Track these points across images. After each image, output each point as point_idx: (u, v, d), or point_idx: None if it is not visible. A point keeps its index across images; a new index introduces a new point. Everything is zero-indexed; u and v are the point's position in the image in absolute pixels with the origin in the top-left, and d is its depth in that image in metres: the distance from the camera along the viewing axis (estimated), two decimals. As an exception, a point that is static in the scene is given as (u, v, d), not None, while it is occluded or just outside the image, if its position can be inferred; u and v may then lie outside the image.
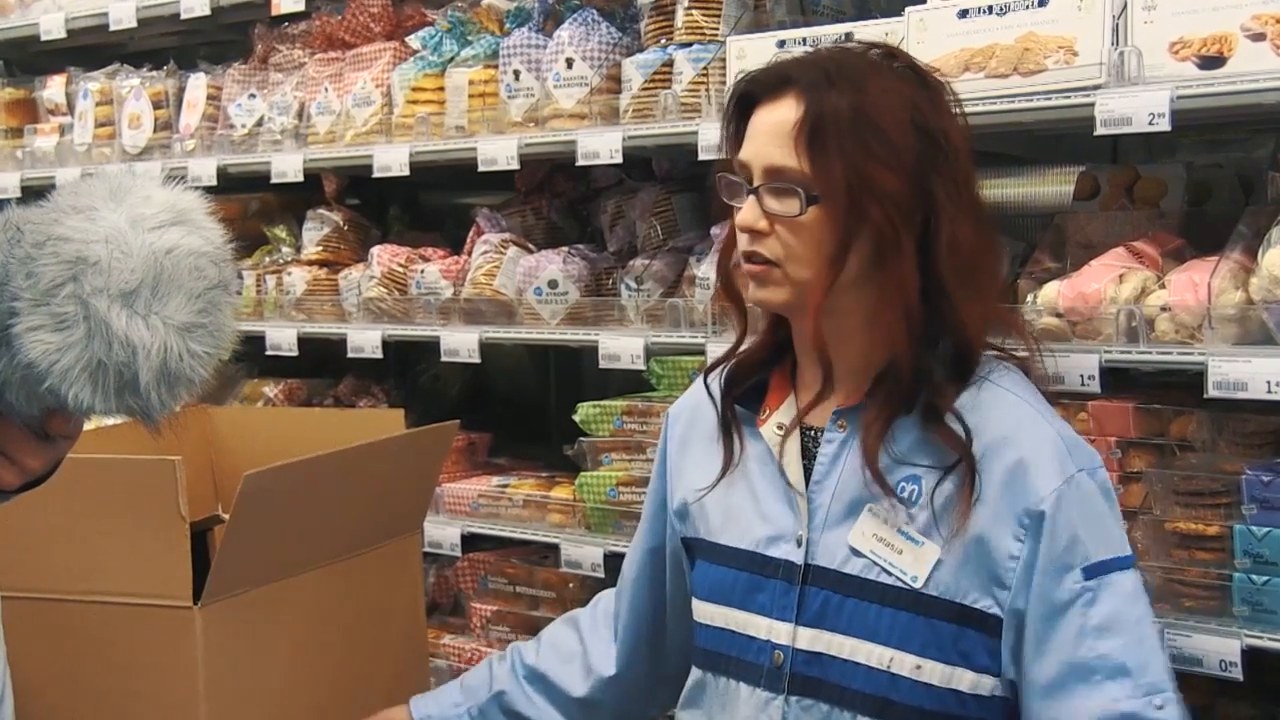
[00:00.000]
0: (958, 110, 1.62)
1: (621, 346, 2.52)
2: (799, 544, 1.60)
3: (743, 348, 1.73)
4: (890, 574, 1.54)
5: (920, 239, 1.54)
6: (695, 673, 1.73)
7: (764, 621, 1.62)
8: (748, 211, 1.57)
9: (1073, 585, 1.49)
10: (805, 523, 1.60)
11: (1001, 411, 1.55)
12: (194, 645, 1.73)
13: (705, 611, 1.71)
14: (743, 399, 1.71)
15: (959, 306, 1.54)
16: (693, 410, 1.79)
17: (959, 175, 1.57)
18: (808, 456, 1.64)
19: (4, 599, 1.55)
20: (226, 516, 1.83)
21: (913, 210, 1.53)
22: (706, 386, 1.74)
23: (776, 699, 1.60)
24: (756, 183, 1.57)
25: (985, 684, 1.53)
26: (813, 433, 1.64)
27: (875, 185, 1.51)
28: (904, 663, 1.53)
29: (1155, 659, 1.49)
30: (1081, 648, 1.48)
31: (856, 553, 1.57)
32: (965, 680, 1.53)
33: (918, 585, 1.53)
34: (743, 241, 1.59)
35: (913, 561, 1.54)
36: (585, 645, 1.92)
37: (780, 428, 1.65)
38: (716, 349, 2.31)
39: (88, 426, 1.42)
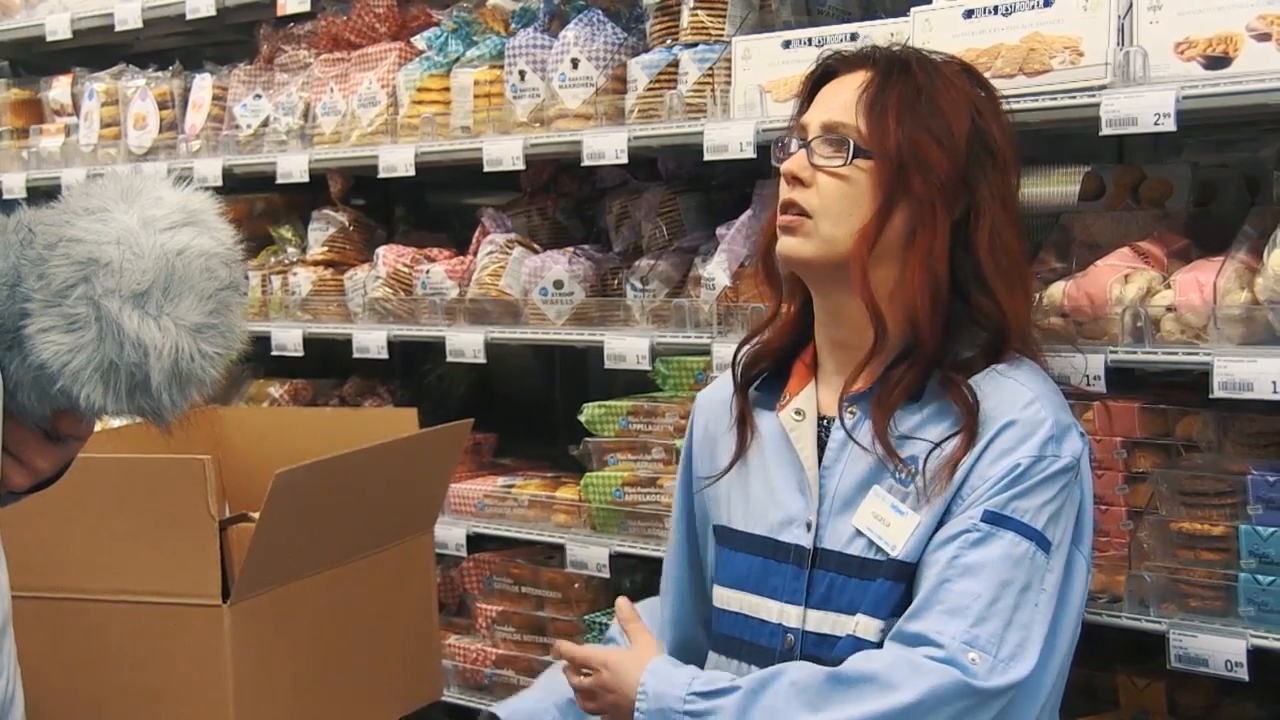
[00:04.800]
0: (1010, 133, 1.68)
1: (627, 347, 2.52)
2: (808, 528, 1.62)
3: (769, 331, 1.75)
4: (878, 548, 1.58)
5: (958, 228, 1.60)
6: (711, 658, 1.75)
7: (775, 605, 1.65)
8: (794, 160, 1.64)
9: (968, 520, 1.52)
10: (815, 507, 1.62)
11: (1001, 394, 1.58)
12: (223, 642, 1.75)
13: (723, 597, 1.73)
14: (764, 385, 1.73)
15: (1002, 301, 1.59)
16: (717, 401, 1.81)
17: (1006, 186, 1.63)
18: (822, 444, 1.66)
19: (34, 600, 1.56)
20: (240, 515, 1.85)
21: (954, 195, 1.59)
22: (734, 366, 1.76)
23: None
24: (812, 136, 1.63)
25: None
26: (826, 422, 1.67)
27: (924, 157, 1.58)
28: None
29: (996, 628, 1.48)
30: (943, 579, 1.50)
31: (859, 533, 1.60)
32: None
33: (894, 554, 1.56)
34: (784, 191, 1.64)
35: (895, 532, 1.57)
36: None
37: (799, 413, 1.67)
38: (722, 349, 2.32)
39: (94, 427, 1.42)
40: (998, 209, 1.60)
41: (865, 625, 1.57)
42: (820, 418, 1.67)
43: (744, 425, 1.73)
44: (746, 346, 1.76)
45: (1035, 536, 1.52)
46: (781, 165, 1.65)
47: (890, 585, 1.56)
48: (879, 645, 1.55)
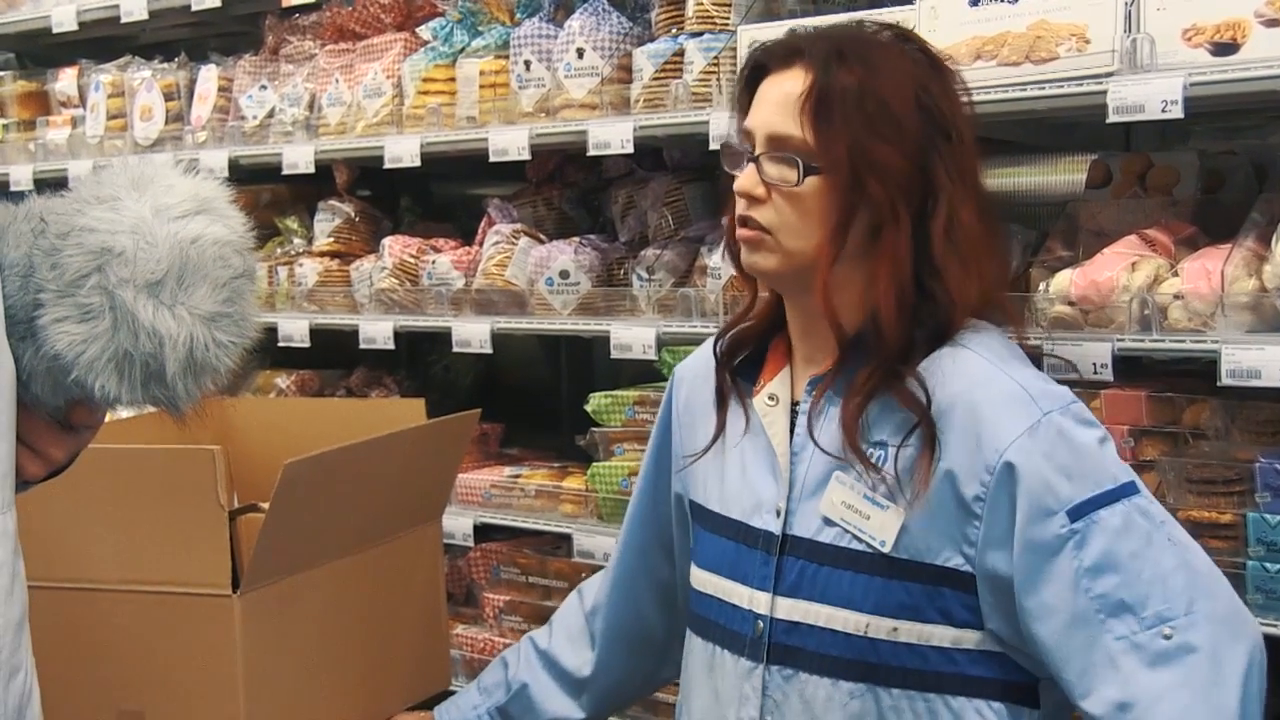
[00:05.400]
0: (966, 99, 1.62)
1: (633, 336, 2.52)
2: (778, 514, 1.61)
3: (750, 319, 1.73)
4: (860, 540, 1.55)
5: (917, 218, 1.55)
6: (689, 637, 1.76)
7: (746, 591, 1.64)
8: (746, 178, 1.59)
9: (1059, 529, 1.47)
10: (786, 493, 1.61)
11: (958, 370, 1.53)
12: (233, 633, 1.75)
13: (699, 578, 1.73)
14: (742, 369, 1.72)
15: (950, 287, 1.55)
16: (699, 375, 1.79)
17: (962, 161, 1.57)
18: (794, 429, 1.64)
19: (44, 589, 1.57)
20: (249, 505, 1.85)
21: (912, 188, 1.54)
22: (715, 351, 1.74)
23: (758, 668, 1.61)
24: (758, 150, 1.58)
25: (969, 638, 1.53)
26: (798, 407, 1.65)
27: (877, 161, 1.52)
28: (880, 627, 1.54)
29: (1157, 589, 1.45)
30: (1079, 591, 1.46)
31: (829, 521, 1.57)
32: (946, 637, 1.53)
33: (886, 549, 1.53)
34: (740, 207, 1.60)
35: (880, 526, 1.54)
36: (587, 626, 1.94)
37: (772, 399, 1.66)
38: (729, 338, 2.31)
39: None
40: (955, 189, 1.55)
41: (848, 619, 1.55)
42: (794, 403, 1.65)
43: (722, 407, 1.71)
44: (729, 332, 1.73)
45: (1118, 492, 1.48)
46: (735, 185, 1.59)
47: (882, 582, 1.53)
48: (867, 640, 1.54)
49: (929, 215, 1.55)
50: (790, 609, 1.59)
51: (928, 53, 1.62)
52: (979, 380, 1.52)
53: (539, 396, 3.47)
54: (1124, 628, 1.45)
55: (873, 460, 1.54)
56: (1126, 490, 1.49)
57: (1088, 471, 1.48)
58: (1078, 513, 1.47)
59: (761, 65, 1.62)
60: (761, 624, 1.61)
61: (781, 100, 1.57)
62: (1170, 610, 1.45)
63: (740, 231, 1.61)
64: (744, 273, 1.68)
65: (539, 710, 1.91)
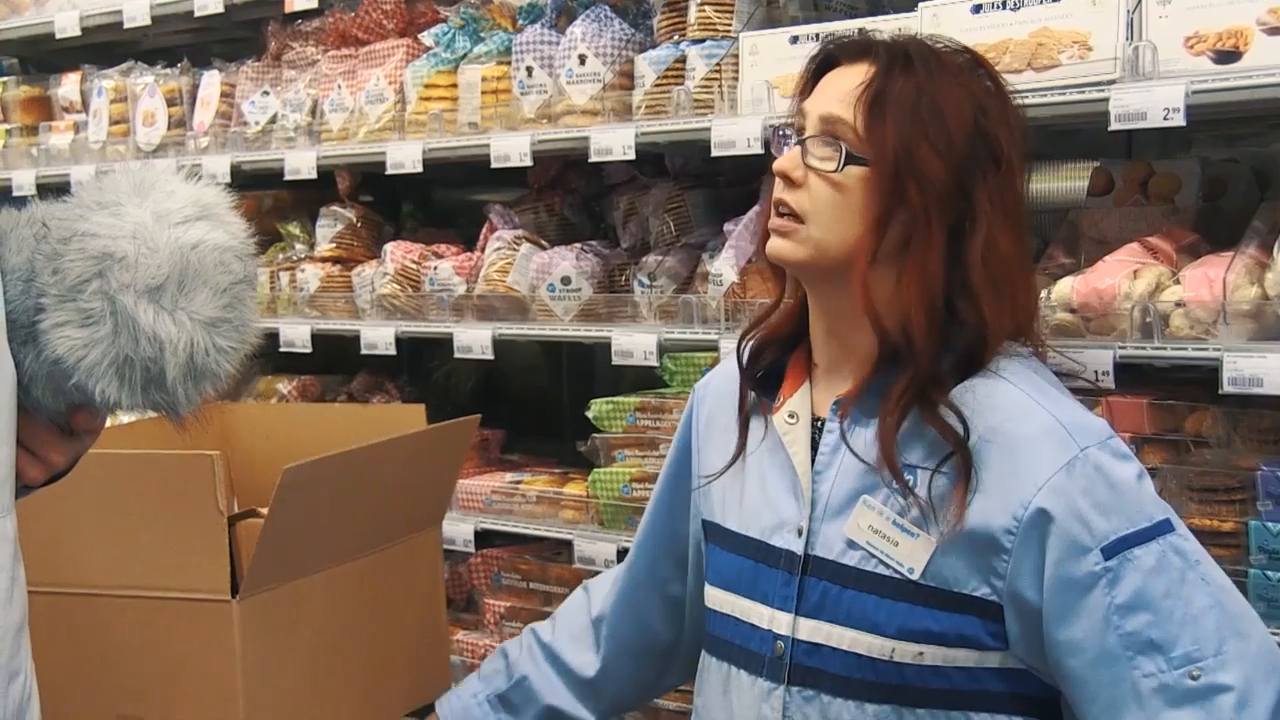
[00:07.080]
0: (1023, 133, 1.61)
1: (634, 343, 2.52)
2: (799, 534, 1.60)
3: (772, 318, 1.72)
4: (887, 565, 1.54)
5: (951, 236, 1.54)
6: (704, 657, 1.75)
7: (766, 611, 1.62)
8: (787, 158, 1.58)
9: (1093, 566, 1.46)
10: (807, 513, 1.60)
11: (995, 402, 1.52)
12: (232, 638, 1.75)
13: (715, 597, 1.71)
14: (761, 384, 1.71)
15: (985, 313, 1.54)
16: (721, 389, 1.79)
17: (1007, 191, 1.56)
18: (815, 446, 1.63)
19: (44, 594, 1.57)
20: (248, 511, 1.85)
21: (950, 203, 1.53)
22: (739, 355, 1.73)
23: (778, 689, 1.60)
24: (809, 133, 1.58)
25: (992, 658, 1.53)
26: (819, 423, 1.64)
27: (920, 166, 1.52)
28: (906, 651, 1.53)
29: (1188, 629, 1.45)
30: (1109, 628, 1.46)
31: (853, 544, 1.56)
32: (971, 658, 1.53)
33: (914, 576, 1.52)
34: (776, 189, 1.60)
35: (909, 553, 1.53)
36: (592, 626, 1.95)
37: (792, 416, 1.65)
38: (730, 345, 2.31)
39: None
40: (996, 216, 1.54)
41: (872, 643, 1.54)
42: (814, 419, 1.64)
43: (745, 425, 1.70)
44: (750, 337, 1.72)
45: (1153, 529, 1.47)
46: (775, 165, 1.59)
47: (908, 607, 1.52)
48: (892, 664, 1.53)
49: (966, 236, 1.54)
50: (812, 630, 1.58)
51: (996, 80, 1.62)
52: (1015, 414, 1.51)
53: (540, 402, 3.47)
54: (1152, 666, 1.45)
55: (904, 483, 1.53)
56: (1162, 528, 1.48)
57: (1124, 508, 1.48)
58: (1112, 550, 1.46)
59: (832, 57, 1.63)
60: (782, 644, 1.60)
61: (841, 88, 1.57)
62: (1200, 651, 1.45)
63: (774, 221, 1.60)
64: (774, 272, 1.68)
65: (539, 699, 1.91)
